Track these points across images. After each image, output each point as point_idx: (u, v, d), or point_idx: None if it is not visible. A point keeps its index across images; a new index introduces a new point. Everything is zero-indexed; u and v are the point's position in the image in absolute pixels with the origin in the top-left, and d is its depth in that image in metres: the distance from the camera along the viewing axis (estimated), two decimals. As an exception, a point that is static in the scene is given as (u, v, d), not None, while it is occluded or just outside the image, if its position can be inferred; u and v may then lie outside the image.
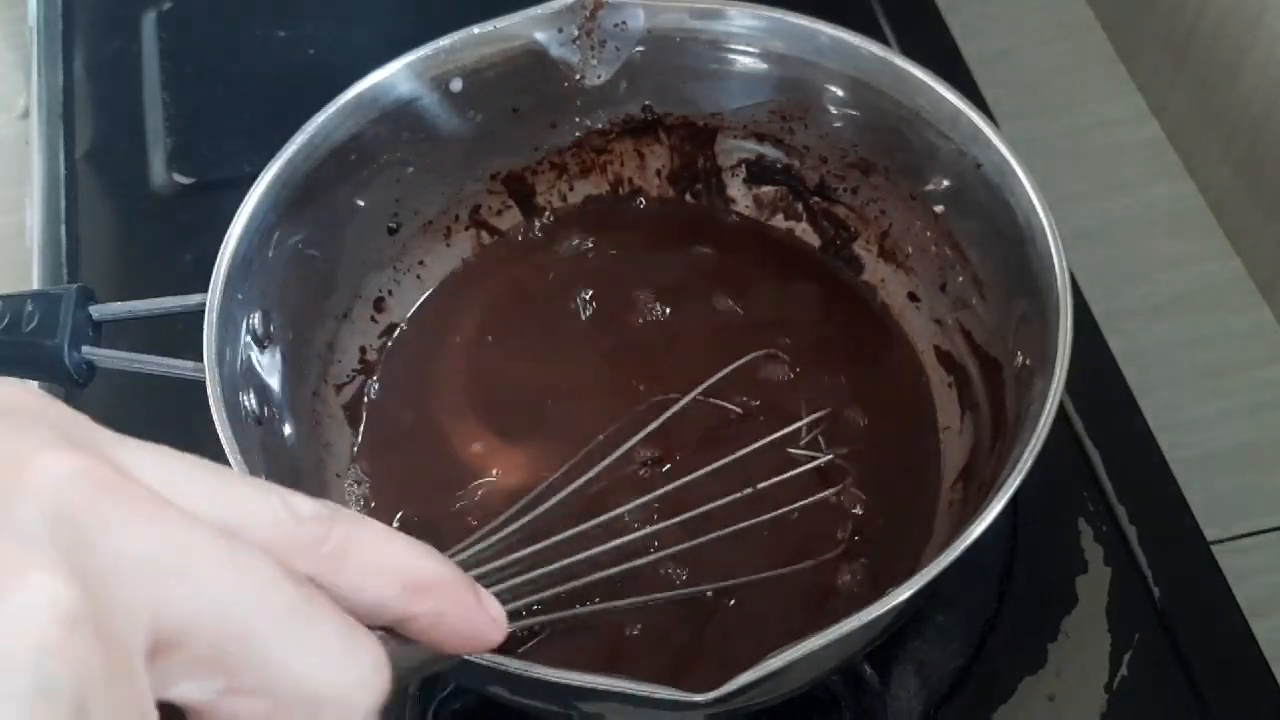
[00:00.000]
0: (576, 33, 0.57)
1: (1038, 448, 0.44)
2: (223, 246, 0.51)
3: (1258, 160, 0.71)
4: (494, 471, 0.56)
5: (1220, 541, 0.62)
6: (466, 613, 0.28)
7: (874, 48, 0.56)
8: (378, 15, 0.77)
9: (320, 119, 0.54)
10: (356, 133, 0.56)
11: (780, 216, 0.63)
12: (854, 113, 0.58)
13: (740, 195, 0.64)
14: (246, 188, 0.52)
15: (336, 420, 0.58)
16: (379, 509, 0.56)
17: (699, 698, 0.40)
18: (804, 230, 0.63)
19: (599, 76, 0.59)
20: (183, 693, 0.23)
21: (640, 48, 0.58)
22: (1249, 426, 0.68)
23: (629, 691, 0.41)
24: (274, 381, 0.54)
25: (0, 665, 0.20)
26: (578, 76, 0.59)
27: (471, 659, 0.38)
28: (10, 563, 0.21)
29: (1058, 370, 0.46)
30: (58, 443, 0.22)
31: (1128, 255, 0.74)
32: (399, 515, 0.55)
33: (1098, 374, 0.62)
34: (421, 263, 0.62)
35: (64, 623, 0.20)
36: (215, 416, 0.46)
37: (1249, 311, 0.72)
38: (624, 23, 0.58)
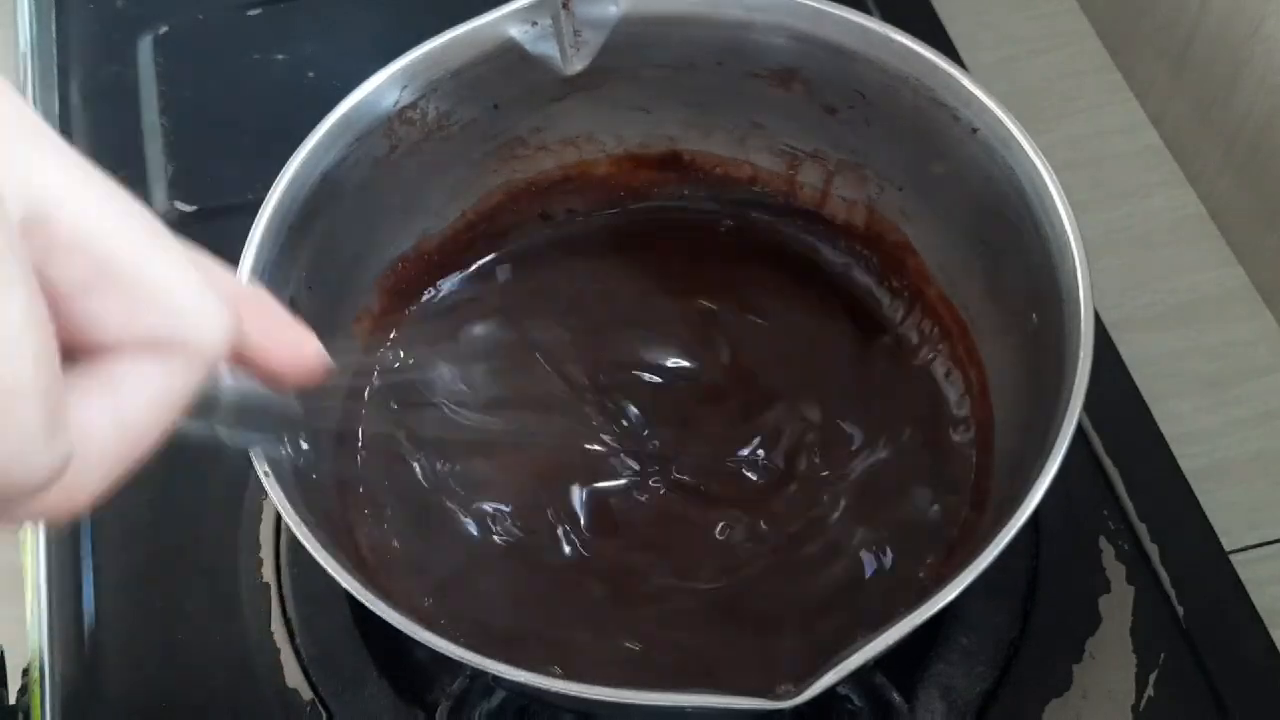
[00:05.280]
0: (550, 25, 0.57)
1: (1056, 465, 0.44)
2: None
3: (1258, 167, 0.71)
4: None
5: (1231, 552, 0.63)
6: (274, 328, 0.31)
7: (856, 17, 0.55)
8: (376, 35, 0.77)
9: (310, 144, 0.53)
10: (346, 153, 0.55)
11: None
12: (841, 86, 0.58)
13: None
14: (250, 214, 0.51)
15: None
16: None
17: (784, 704, 0.40)
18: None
19: (576, 66, 0.59)
20: (51, 274, 0.25)
21: (615, 34, 0.58)
22: (1256, 436, 0.68)
23: (714, 705, 0.41)
24: None
25: None
26: (556, 69, 0.58)
27: (561, 690, 0.40)
28: None
29: (1082, 354, 0.46)
30: None
31: (1128, 265, 0.74)
32: None
33: (1113, 388, 0.62)
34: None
35: None
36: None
37: (1252, 320, 0.72)
38: (596, 11, 0.57)
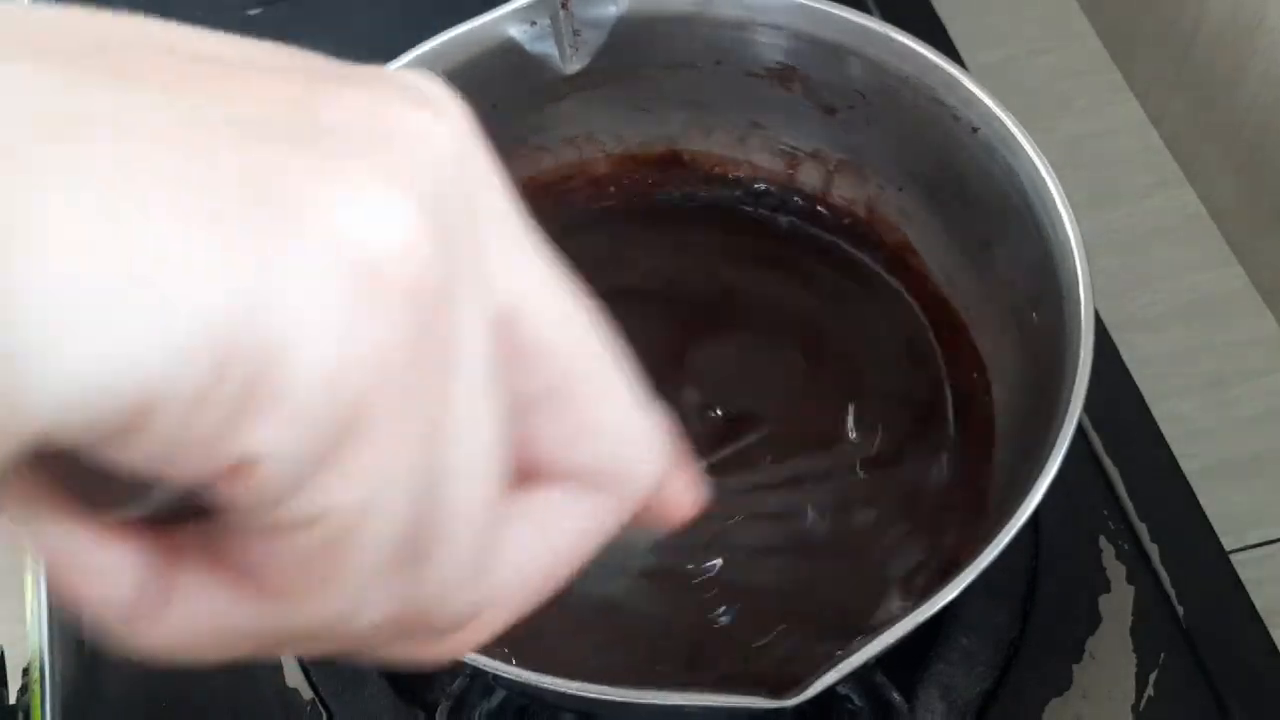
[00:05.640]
0: (549, 25, 0.57)
1: (1056, 465, 0.44)
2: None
3: (1258, 167, 0.71)
4: None
5: (1231, 552, 0.63)
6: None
7: (857, 17, 0.55)
8: (375, 35, 0.77)
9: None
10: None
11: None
12: (841, 86, 0.58)
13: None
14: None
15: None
16: None
17: (784, 703, 0.40)
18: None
19: (576, 66, 0.59)
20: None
21: (615, 34, 0.58)
22: (1256, 435, 0.69)
23: (715, 704, 0.41)
24: None
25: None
26: (556, 69, 0.58)
27: (561, 689, 0.41)
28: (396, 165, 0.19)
29: (1082, 355, 0.46)
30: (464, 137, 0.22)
31: (1129, 265, 0.74)
32: None
33: (1113, 388, 0.62)
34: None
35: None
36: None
37: (1252, 320, 0.72)
38: (596, 11, 0.57)
